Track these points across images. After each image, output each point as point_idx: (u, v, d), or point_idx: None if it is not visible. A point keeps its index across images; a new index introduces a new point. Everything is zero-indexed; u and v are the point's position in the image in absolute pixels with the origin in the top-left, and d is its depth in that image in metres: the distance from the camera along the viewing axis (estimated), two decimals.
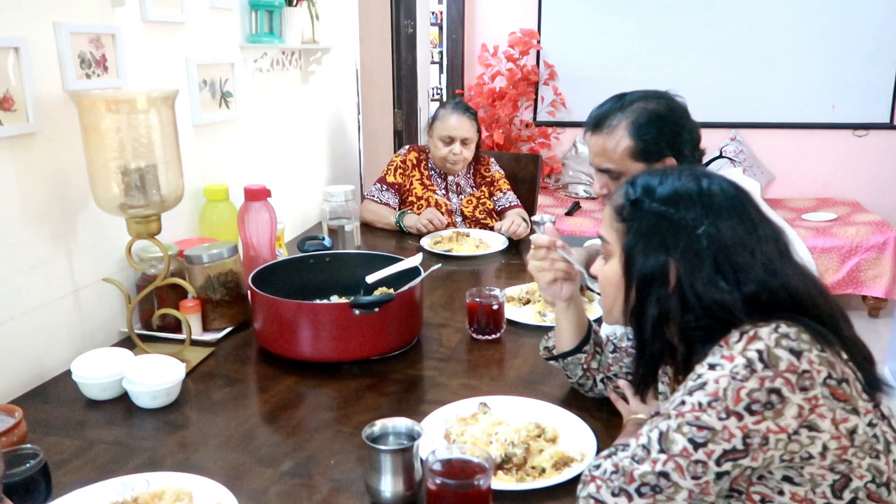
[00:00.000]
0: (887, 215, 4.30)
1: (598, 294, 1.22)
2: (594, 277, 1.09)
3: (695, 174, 0.98)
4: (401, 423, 1.10)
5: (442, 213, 2.63)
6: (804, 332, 0.86)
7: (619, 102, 1.49)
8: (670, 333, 0.98)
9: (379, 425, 1.09)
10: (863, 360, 0.90)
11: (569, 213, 4.34)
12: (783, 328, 0.86)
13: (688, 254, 0.92)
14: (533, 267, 1.29)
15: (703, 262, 0.91)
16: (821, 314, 0.90)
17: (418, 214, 2.57)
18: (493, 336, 1.64)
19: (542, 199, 4.60)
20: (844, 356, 0.88)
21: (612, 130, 1.47)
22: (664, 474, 0.85)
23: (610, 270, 1.02)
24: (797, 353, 0.83)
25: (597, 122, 1.50)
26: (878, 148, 4.51)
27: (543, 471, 1.11)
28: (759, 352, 0.84)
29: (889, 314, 3.90)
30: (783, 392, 0.82)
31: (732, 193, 0.96)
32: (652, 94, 1.49)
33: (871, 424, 0.86)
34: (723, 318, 0.90)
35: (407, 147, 2.75)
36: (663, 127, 1.45)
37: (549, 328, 1.68)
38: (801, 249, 1.49)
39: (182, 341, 1.57)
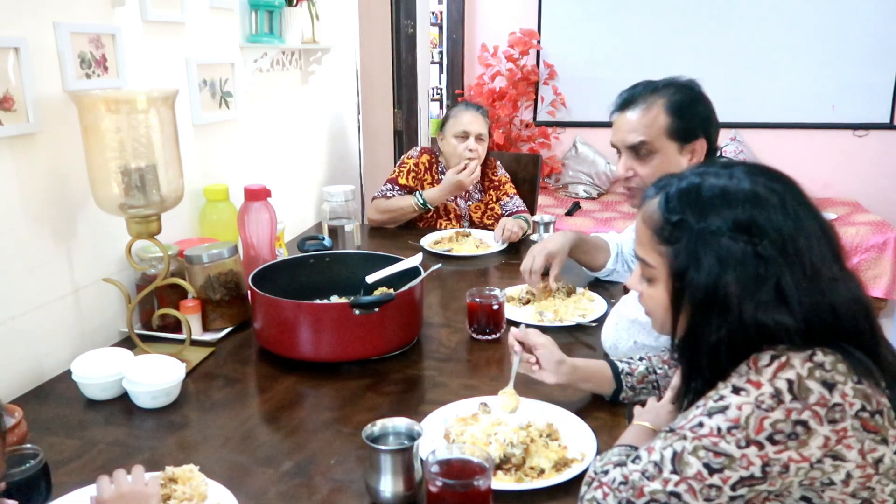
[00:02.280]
0: (887, 215, 4.30)
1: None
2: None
3: (735, 174, 0.89)
4: (401, 423, 1.10)
5: (450, 218, 2.63)
6: (841, 362, 0.81)
7: (652, 86, 1.49)
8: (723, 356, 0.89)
9: (379, 425, 1.09)
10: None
11: (569, 213, 4.34)
12: (819, 357, 0.81)
13: (746, 275, 0.83)
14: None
15: (764, 284, 0.83)
16: (861, 334, 0.85)
17: (430, 218, 2.58)
18: (493, 336, 1.64)
19: (542, 199, 4.60)
20: (882, 384, 0.83)
21: (649, 107, 1.46)
22: (676, 494, 0.83)
23: (658, 296, 0.94)
24: (830, 386, 0.79)
25: (629, 99, 1.49)
26: (878, 148, 4.51)
27: (542, 471, 1.11)
28: (790, 382, 0.79)
29: (889, 314, 3.90)
30: (810, 424, 0.78)
31: (781, 190, 0.87)
32: (683, 80, 1.50)
33: None
34: (774, 341, 0.83)
35: (418, 149, 2.71)
36: (699, 108, 1.47)
37: (549, 328, 1.70)
38: None
39: (182, 341, 1.57)
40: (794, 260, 0.83)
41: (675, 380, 1.15)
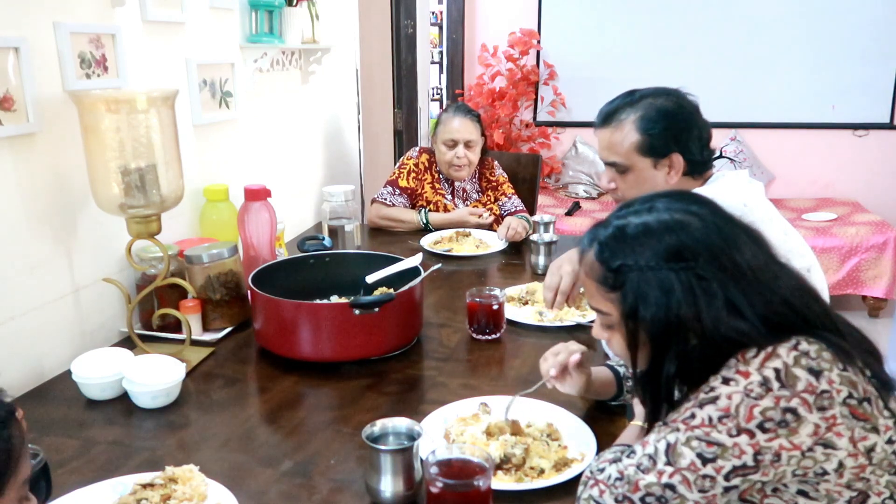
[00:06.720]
0: (887, 215, 4.30)
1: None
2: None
3: (655, 207, 0.93)
4: (401, 423, 1.10)
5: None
6: (825, 350, 0.83)
7: (630, 98, 1.51)
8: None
9: (379, 425, 1.09)
10: (872, 359, 0.87)
11: (569, 213, 4.34)
12: (803, 346, 0.83)
13: (696, 298, 0.86)
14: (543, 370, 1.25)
15: (714, 299, 0.86)
16: (817, 316, 0.87)
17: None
18: (493, 336, 1.64)
19: (542, 199, 4.60)
20: (868, 373, 0.85)
21: (620, 125, 1.49)
22: (670, 486, 0.84)
23: (620, 339, 0.96)
24: (817, 373, 0.81)
25: (606, 117, 1.52)
26: (878, 148, 4.51)
27: (542, 471, 1.11)
28: (777, 370, 0.81)
29: (889, 314, 3.90)
30: (799, 411, 0.80)
31: (702, 212, 0.91)
32: (662, 91, 1.50)
33: (889, 441, 0.83)
34: (742, 343, 0.85)
35: (417, 149, 2.72)
36: (671, 123, 1.46)
37: (549, 328, 1.70)
38: (804, 250, 1.49)
39: (182, 341, 1.57)
40: (733, 270, 0.87)
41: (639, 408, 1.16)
